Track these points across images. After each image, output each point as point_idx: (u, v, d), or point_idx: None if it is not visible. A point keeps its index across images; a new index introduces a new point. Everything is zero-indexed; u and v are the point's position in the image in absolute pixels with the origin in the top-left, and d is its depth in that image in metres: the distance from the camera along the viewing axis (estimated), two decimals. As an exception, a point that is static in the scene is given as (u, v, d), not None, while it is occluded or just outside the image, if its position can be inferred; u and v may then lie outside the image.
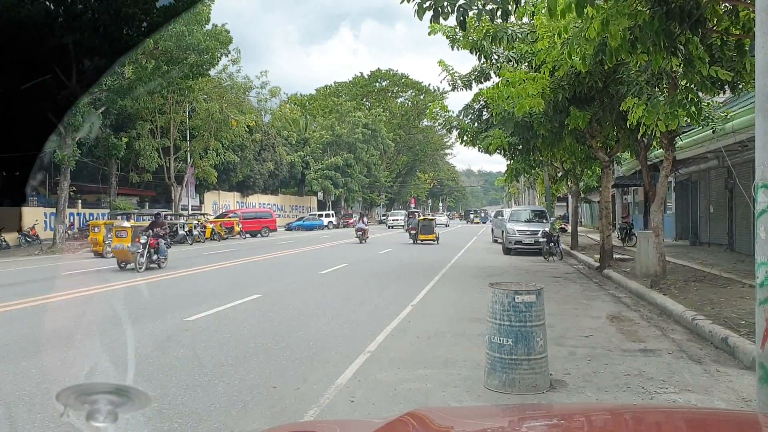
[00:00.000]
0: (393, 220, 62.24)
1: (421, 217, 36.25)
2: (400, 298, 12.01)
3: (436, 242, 32.30)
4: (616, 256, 18.68)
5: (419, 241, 32.34)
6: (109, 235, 23.34)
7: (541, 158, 22.52)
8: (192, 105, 39.96)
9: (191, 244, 32.67)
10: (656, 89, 11.04)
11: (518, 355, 5.76)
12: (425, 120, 79.88)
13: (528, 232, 23.96)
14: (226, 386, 6.07)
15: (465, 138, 18.50)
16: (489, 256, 23.47)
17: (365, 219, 36.72)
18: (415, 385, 6.10)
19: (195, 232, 34.25)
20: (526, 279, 15.20)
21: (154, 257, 18.41)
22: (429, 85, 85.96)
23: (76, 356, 7.38)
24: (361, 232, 34.13)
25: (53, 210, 30.66)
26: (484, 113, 17.95)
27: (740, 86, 11.29)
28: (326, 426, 1.65)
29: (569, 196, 31.64)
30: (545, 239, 21.76)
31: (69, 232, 31.61)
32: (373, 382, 6.23)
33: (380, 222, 76.63)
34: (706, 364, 6.89)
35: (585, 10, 6.92)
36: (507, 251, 24.36)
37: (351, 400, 5.66)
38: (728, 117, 14.28)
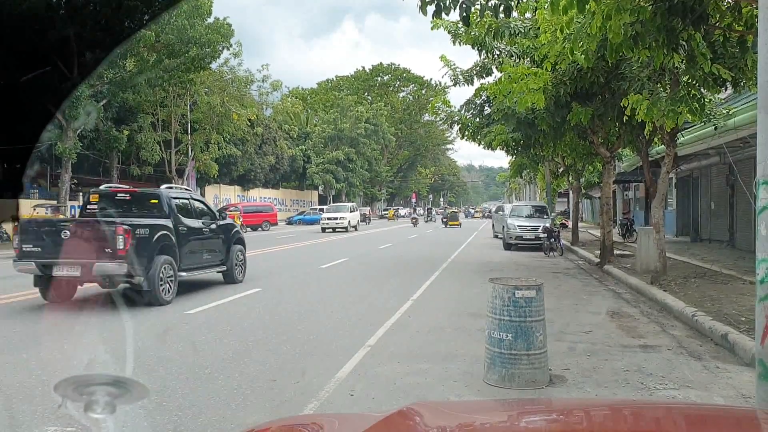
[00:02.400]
0: (330, 220, 40.39)
1: (450, 210, 59.72)
2: (400, 293, 12.02)
3: (459, 226, 48.30)
4: (616, 252, 18.67)
5: (449, 226, 48.33)
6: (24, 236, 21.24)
7: (542, 154, 22.53)
8: (193, 98, 39.95)
9: (192, 238, 32.66)
10: (658, 85, 11.03)
11: (518, 350, 5.77)
12: (427, 115, 79.88)
13: (529, 228, 23.93)
14: (226, 379, 6.09)
15: (466, 133, 18.47)
16: (489, 252, 23.46)
17: (418, 210, 63.48)
18: (414, 380, 6.11)
19: (196, 226, 34.24)
20: (527, 274, 15.19)
21: None
22: (431, 79, 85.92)
23: (76, 348, 7.39)
24: (415, 220, 52.93)
25: (54, 202, 30.68)
26: (486, 108, 17.92)
27: (742, 83, 11.26)
28: (325, 419, 1.65)
29: (570, 192, 31.62)
30: (546, 235, 21.75)
31: (70, 224, 31.64)
32: (372, 376, 6.24)
33: (380, 217, 76.60)
34: (706, 361, 6.89)
35: (587, 6, 6.89)
36: (507, 246, 24.36)
37: (350, 394, 5.67)
38: (730, 113, 14.26)
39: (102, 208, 11.96)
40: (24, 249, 10.35)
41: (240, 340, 7.87)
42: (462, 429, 1.57)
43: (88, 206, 12.35)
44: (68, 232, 10.25)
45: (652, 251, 13.68)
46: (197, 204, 12.96)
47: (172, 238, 11.23)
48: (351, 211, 42.83)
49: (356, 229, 42.25)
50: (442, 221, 52.28)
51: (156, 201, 11.74)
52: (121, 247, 9.92)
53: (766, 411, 2.10)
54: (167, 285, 10.75)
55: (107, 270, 10.02)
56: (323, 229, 39.51)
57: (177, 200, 12.04)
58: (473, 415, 1.70)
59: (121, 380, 1.22)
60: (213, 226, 12.92)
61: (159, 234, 10.86)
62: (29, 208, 28.72)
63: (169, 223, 11.33)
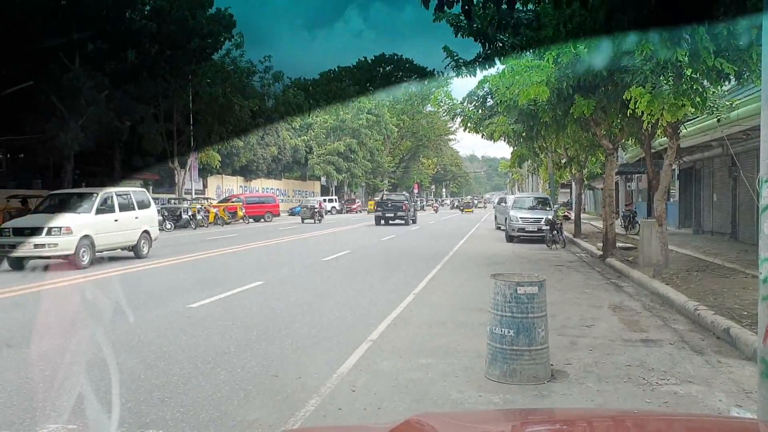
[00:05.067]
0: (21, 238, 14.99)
1: (465, 201, 79.46)
2: (402, 287, 12.02)
3: (472, 212, 65.53)
4: (619, 244, 18.65)
5: (464, 212, 65.66)
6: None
7: (544, 145, 22.48)
8: (195, 89, 39.84)
9: (194, 229, 32.72)
10: (661, 78, 10.97)
11: (519, 345, 5.77)
12: (429, 105, 79.58)
13: (531, 220, 23.86)
14: (228, 374, 6.10)
15: (468, 125, 18.44)
16: (491, 244, 23.44)
17: (440, 200, 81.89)
18: (416, 375, 6.12)
19: (198, 217, 34.27)
20: (529, 268, 15.20)
21: None
22: (434, 70, 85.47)
23: (78, 343, 7.40)
24: (436, 208, 70.80)
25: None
26: (488, 100, 17.87)
27: (746, 75, 11.19)
28: None
29: (573, 183, 31.58)
30: (548, 227, 21.70)
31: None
32: (374, 372, 6.25)
33: None
34: (708, 355, 6.90)
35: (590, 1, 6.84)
36: (510, 239, 24.29)
37: (352, 390, 5.68)
38: (733, 106, 14.19)
39: (388, 200, 39.74)
40: (377, 209, 39.10)
41: (242, 334, 7.88)
42: None
43: (383, 199, 40.63)
44: (390, 204, 38.64)
45: (654, 244, 13.66)
46: (408, 194, 49.45)
47: (410, 207, 39.87)
48: (113, 209, 16.95)
49: (140, 255, 17.45)
50: (459, 209, 73.12)
51: (405, 196, 41.78)
52: (405, 209, 38.30)
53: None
54: (411, 219, 39.31)
55: (401, 215, 37.96)
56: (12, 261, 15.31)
57: (407, 194, 47.02)
58: (479, 425, 1.70)
59: None
60: (411, 203, 42.48)
61: (409, 205, 39.79)
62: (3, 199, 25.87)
63: (410, 202, 40.97)
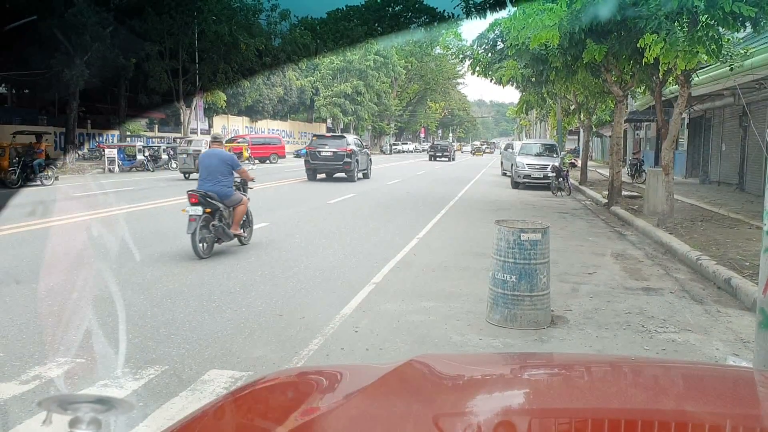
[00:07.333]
0: None
1: (476, 146, 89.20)
2: (406, 231, 12.07)
3: (482, 156, 73.84)
4: (624, 192, 18.60)
5: (475, 155, 76.81)
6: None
7: (554, 91, 22.22)
8: (201, 27, 39.25)
9: (200, 169, 32.62)
10: (675, 24, 10.76)
11: (521, 291, 5.82)
12: (438, 48, 78.37)
13: (537, 167, 23.75)
14: (233, 313, 6.19)
15: (477, 69, 18.20)
16: (497, 190, 23.43)
17: (454, 145, 76.15)
18: (418, 317, 6.20)
19: (204, 157, 34.10)
20: (533, 214, 15.21)
21: None
22: (444, 12, 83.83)
23: (86, 280, 7.50)
24: (448, 153, 64.91)
25: (63, 129, 30.54)
26: (499, 43, 17.61)
27: (762, 22, 10.97)
28: (334, 371, 1.69)
29: (581, 130, 31.32)
30: (554, 174, 21.63)
31: (79, 152, 31.67)
32: (377, 313, 6.33)
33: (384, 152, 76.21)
34: (708, 305, 6.96)
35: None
36: (515, 185, 24.25)
37: (355, 330, 5.77)
38: (747, 54, 13.94)
39: (437, 144, 61.60)
40: (430, 150, 59.30)
41: (247, 274, 7.97)
42: (469, 380, 1.60)
43: (434, 144, 63.20)
44: (438, 147, 58.36)
45: (660, 193, 13.63)
46: (450, 141, 77.54)
47: (451, 150, 59.48)
48: None
49: None
50: (471, 153, 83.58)
51: (448, 142, 68.09)
52: (449, 150, 57.99)
53: (763, 373, 2.13)
54: (451, 158, 58.22)
55: (446, 154, 56.67)
56: None
57: (450, 141, 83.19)
58: (479, 367, 1.74)
59: (106, 399, 1.22)
60: (452, 146, 63.07)
61: (450, 148, 60.34)
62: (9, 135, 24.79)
63: (451, 146, 61.82)
